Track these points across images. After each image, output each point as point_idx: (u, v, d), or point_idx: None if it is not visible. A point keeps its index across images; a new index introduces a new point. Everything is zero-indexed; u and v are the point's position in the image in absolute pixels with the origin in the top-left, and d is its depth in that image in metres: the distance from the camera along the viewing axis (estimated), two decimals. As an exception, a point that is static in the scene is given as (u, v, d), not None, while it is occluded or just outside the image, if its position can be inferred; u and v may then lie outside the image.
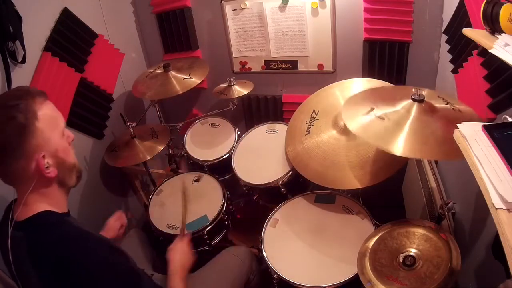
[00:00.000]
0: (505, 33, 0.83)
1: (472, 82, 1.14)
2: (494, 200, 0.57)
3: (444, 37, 1.47)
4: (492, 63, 1.02)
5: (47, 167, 0.85)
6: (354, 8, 1.68)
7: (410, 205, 1.73)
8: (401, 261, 0.98)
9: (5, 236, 0.83)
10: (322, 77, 1.87)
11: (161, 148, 1.66)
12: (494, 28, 0.87)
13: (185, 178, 1.71)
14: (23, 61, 1.36)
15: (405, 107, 1.02)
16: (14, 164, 0.83)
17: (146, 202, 1.74)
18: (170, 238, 1.37)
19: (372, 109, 1.06)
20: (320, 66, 1.88)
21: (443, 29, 1.51)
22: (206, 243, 1.52)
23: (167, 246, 1.21)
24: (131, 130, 1.67)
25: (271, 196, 1.59)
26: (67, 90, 1.61)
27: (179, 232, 1.32)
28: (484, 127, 0.70)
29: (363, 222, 1.28)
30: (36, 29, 1.46)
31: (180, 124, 1.90)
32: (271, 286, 1.27)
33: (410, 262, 0.96)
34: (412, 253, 0.99)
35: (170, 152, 1.92)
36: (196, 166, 1.81)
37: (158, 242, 1.51)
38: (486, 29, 0.91)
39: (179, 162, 1.93)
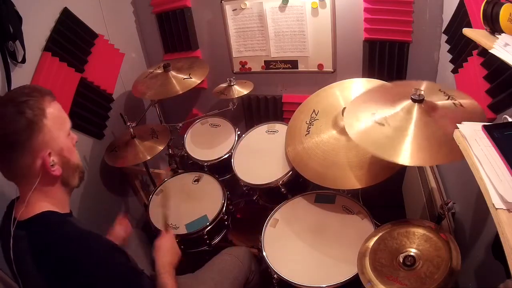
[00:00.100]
0: (505, 33, 0.83)
1: (472, 82, 1.14)
2: (494, 200, 0.57)
3: (444, 37, 1.47)
4: (492, 63, 1.02)
5: (52, 165, 0.86)
6: (354, 8, 1.68)
7: (410, 205, 1.73)
8: (401, 261, 0.98)
9: (7, 235, 0.83)
10: (322, 77, 1.87)
11: (161, 148, 1.66)
12: (494, 28, 0.87)
13: (185, 178, 1.72)
14: (23, 61, 1.36)
15: (404, 109, 1.02)
16: (20, 160, 0.83)
17: (146, 202, 1.74)
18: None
19: (373, 114, 1.05)
20: (320, 66, 1.88)
21: (443, 29, 1.51)
22: (206, 243, 1.52)
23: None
24: (131, 130, 1.67)
25: (271, 196, 1.59)
26: (67, 90, 1.61)
27: (163, 229, 1.27)
28: (484, 127, 0.70)
29: (363, 222, 1.28)
30: (36, 29, 1.46)
31: (180, 124, 1.90)
32: (271, 286, 1.27)
33: (410, 262, 0.96)
34: (412, 253, 0.99)
35: (170, 152, 1.92)
36: (196, 166, 1.81)
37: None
38: (486, 29, 0.91)
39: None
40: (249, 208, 1.94)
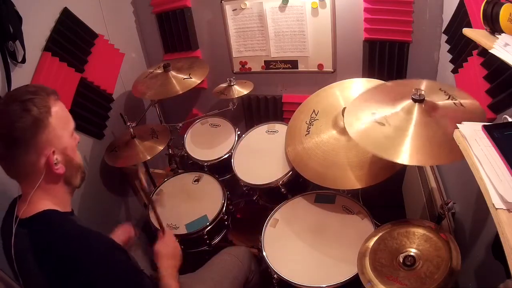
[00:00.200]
0: (505, 33, 0.84)
1: (472, 82, 1.14)
2: (494, 200, 0.57)
3: (444, 37, 1.47)
4: (492, 63, 1.02)
5: (56, 163, 0.86)
6: (354, 8, 1.68)
7: (410, 205, 1.73)
8: (401, 261, 0.98)
9: (9, 232, 0.84)
10: (322, 77, 1.87)
11: (161, 148, 1.66)
12: (494, 28, 0.87)
13: (185, 178, 1.72)
14: (23, 61, 1.36)
15: (405, 108, 1.02)
16: (24, 157, 0.83)
17: (146, 202, 1.74)
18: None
19: (373, 113, 1.05)
20: (320, 66, 1.88)
21: (443, 29, 1.51)
22: (206, 243, 1.52)
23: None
24: (131, 130, 1.67)
25: (271, 196, 1.59)
26: (67, 90, 1.61)
27: (160, 231, 1.26)
28: (484, 127, 0.70)
29: (363, 222, 1.28)
30: (36, 29, 1.46)
31: (180, 124, 1.90)
32: (271, 286, 1.27)
33: (410, 262, 0.96)
34: (412, 253, 0.99)
35: (170, 152, 1.92)
36: (196, 166, 1.81)
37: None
38: (486, 29, 0.91)
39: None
40: (249, 208, 1.94)
